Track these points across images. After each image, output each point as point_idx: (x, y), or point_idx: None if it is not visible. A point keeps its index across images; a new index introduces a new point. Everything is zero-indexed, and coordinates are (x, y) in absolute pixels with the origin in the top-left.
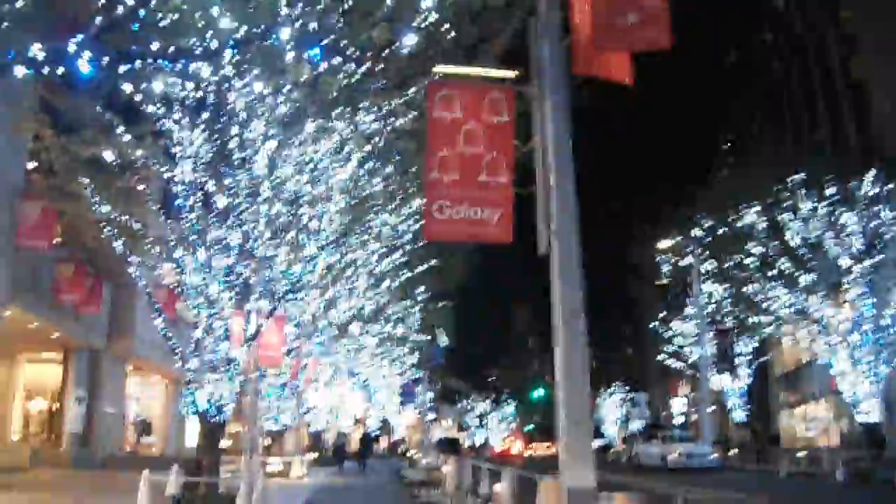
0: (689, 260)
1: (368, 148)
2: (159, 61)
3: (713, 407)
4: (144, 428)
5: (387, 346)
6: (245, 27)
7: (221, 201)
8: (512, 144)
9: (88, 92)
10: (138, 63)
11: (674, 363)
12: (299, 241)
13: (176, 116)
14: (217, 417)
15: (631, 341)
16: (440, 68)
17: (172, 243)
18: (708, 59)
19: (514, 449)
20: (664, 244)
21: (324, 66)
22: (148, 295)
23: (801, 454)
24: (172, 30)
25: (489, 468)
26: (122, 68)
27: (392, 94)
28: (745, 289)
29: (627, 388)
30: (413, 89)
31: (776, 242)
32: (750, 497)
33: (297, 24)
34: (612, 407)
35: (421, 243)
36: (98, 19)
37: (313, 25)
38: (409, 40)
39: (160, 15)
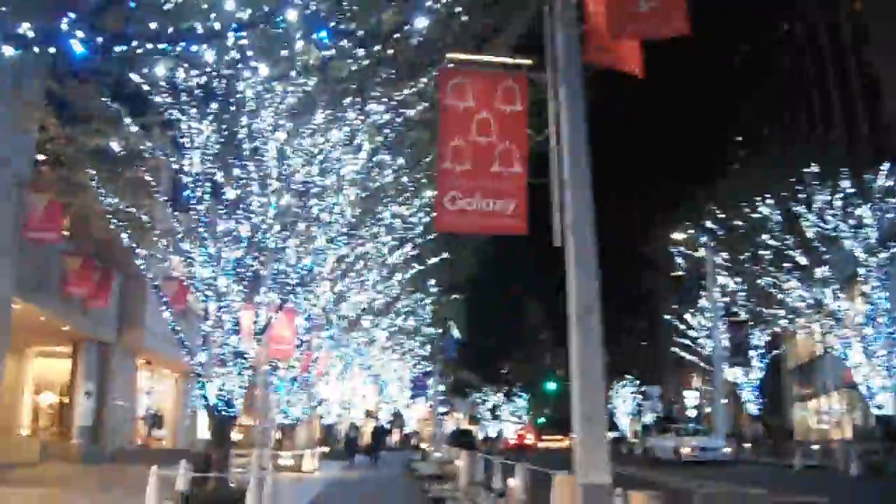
0: (702, 252)
1: (380, 139)
2: (158, 44)
3: (725, 400)
4: (156, 421)
5: (398, 338)
6: (249, 10)
7: (230, 193)
8: (525, 134)
9: (95, 82)
10: (135, 44)
11: (687, 356)
12: (309, 233)
13: (184, 106)
14: (227, 411)
15: (644, 334)
16: (452, 56)
17: (180, 235)
18: (720, 51)
19: (528, 441)
20: (678, 236)
21: (332, 51)
22: (155, 287)
23: (814, 447)
24: (173, 12)
25: (502, 462)
26: (118, 49)
27: (403, 84)
28: (758, 281)
29: (639, 381)
30: (424, 79)
31: (790, 235)
32: (770, 493)
33: (304, 6)
34: (625, 399)
35: (432, 236)
36: None
37: (321, 7)
38: (420, 23)
39: None
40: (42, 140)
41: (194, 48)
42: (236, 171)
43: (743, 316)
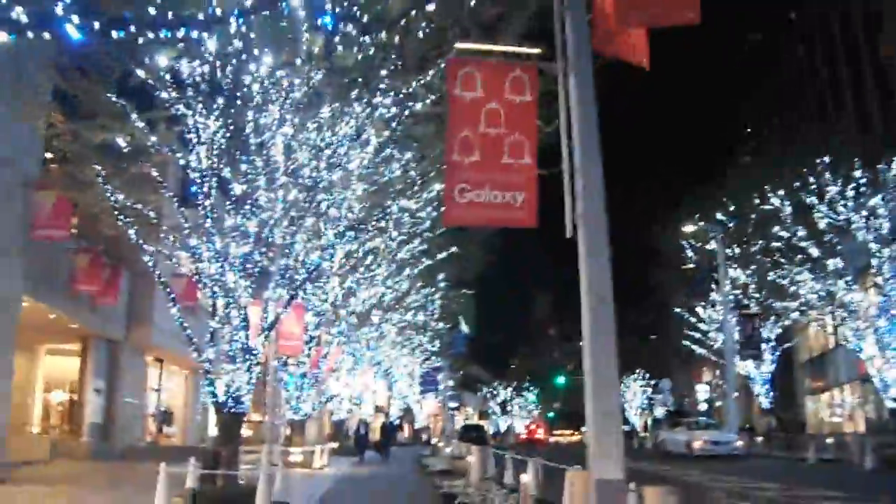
0: (713, 245)
1: (387, 133)
2: (157, 30)
3: (736, 393)
4: (166, 418)
5: (407, 333)
6: None
7: (237, 188)
8: (535, 125)
9: (100, 78)
10: (133, 30)
11: (697, 349)
12: (317, 228)
13: (190, 101)
14: (236, 408)
15: (654, 328)
16: (461, 45)
17: (187, 231)
18: (729, 41)
19: (538, 435)
20: (688, 229)
21: (337, 38)
22: (163, 284)
23: (828, 441)
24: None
25: (514, 457)
26: (116, 35)
27: (410, 76)
28: (770, 274)
29: (648, 375)
30: (432, 71)
31: (802, 226)
32: (787, 487)
33: None
34: (635, 393)
35: (440, 231)
36: None
37: None
38: (428, 6)
39: None
40: (48, 136)
41: (195, 34)
42: (243, 167)
43: (754, 309)
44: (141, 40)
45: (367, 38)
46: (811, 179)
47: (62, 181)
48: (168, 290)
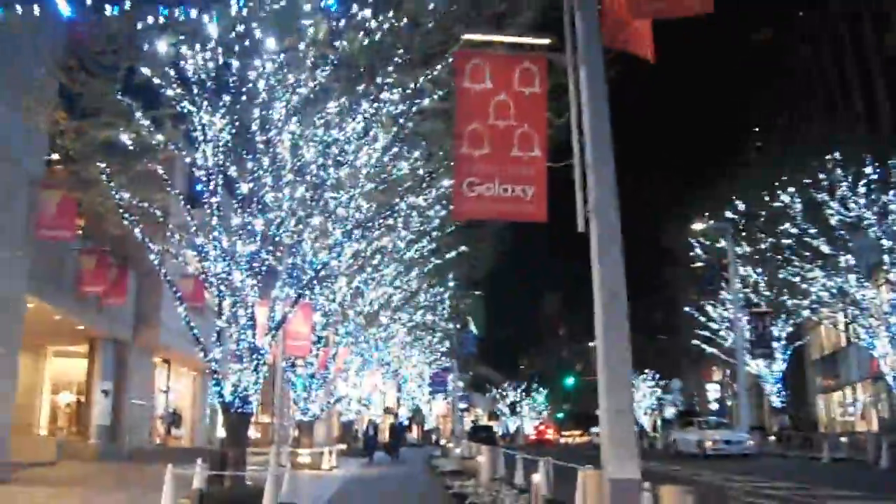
0: (723, 243)
1: (395, 129)
2: (156, 9)
3: (747, 392)
4: (174, 420)
5: (416, 334)
6: None
7: (244, 186)
8: (545, 117)
9: (105, 76)
10: (128, 6)
11: (708, 348)
12: (325, 227)
13: (195, 98)
14: (242, 408)
15: (663, 327)
16: (469, 37)
17: (194, 229)
18: (737, 38)
19: (548, 436)
20: (697, 226)
21: (343, 21)
22: (168, 283)
23: (842, 439)
24: None
25: (525, 458)
26: (109, 11)
27: (417, 72)
28: (781, 271)
29: (658, 374)
30: (439, 66)
31: (812, 223)
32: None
33: None
34: (644, 394)
35: (449, 229)
36: None
37: None
38: None
39: None
40: (52, 133)
41: (193, 13)
42: (249, 164)
43: (765, 307)
44: (140, 25)
45: (373, 22)
46: (822, 176)
47: (67, 180)
48: (174, 289)
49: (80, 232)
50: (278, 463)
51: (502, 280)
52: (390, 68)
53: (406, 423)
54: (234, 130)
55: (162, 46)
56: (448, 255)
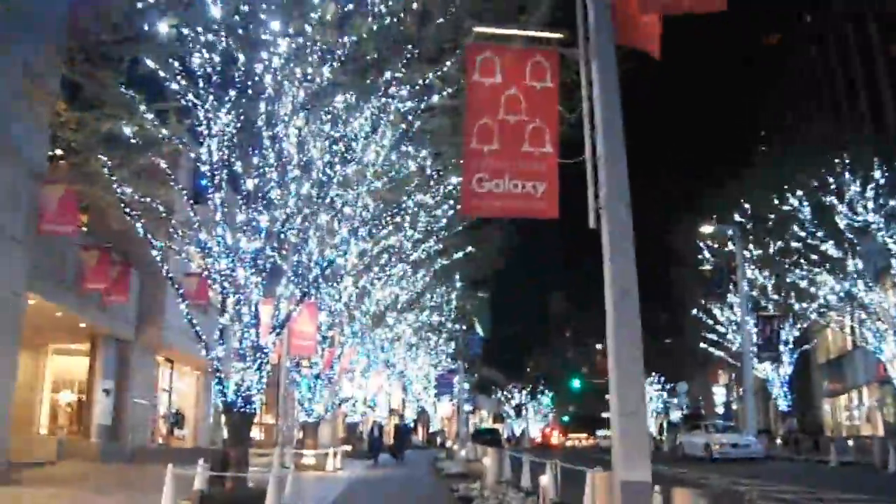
0: (731, 246)
1: (403, 126)
2: None
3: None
4: (177, 420)
5: (422, 334)
6: None
7: (249, 182)
8: (556, 112)
9: (110, 65)
10: None
11: (715, 351)
12: (331, 225)
13: (200, 91)
14: (245, 408)
15: (670, 330)
16: (480, 30)
17: (197, 225)
18: (745, 41)
19: (553, 439)
20: (705, 229)
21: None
22: (170, 279)
23: (850, 443)
24: None
25: (531, 460)
26: None
27: (426, 68)
28: (788, 275)
29: (663, 377)
30: (449, 62)
31: (821, 227)
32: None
33: None
34: (650, 397)
35: (456, 229)
36: None
37: None
38: None
39: None
40: (53, 124)
41: None
42: (255, 160)
43: (772, 310)
44: (140, 4)
45: (382, 7)
46: (830, 179)
47: (69, 174)
48: (177, 285)
49: (83, 228)
50: (282, 464)
51: (508, 281)
52: (399, 63)
53: (412, 424)
54: (239, 125)
55: (163, 27)
56: (455, 256)
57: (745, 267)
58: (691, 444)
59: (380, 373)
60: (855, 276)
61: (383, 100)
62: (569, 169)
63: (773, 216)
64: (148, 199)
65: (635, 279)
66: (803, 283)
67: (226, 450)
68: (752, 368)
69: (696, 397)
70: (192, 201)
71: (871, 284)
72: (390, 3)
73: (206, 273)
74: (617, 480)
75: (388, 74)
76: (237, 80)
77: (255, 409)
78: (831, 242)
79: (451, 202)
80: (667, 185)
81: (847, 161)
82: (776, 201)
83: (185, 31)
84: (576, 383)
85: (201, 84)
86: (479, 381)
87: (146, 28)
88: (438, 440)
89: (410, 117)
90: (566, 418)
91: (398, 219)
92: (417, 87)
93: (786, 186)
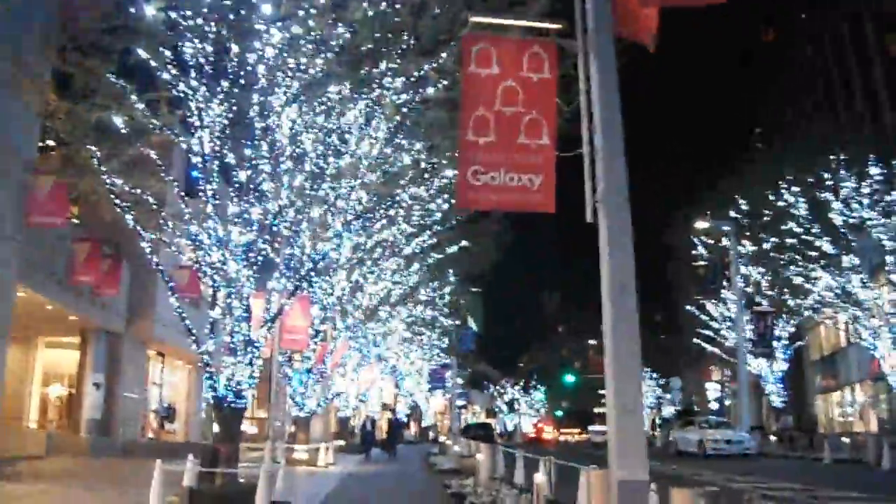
0: (725, 241)
1: (398, 118)
2: None
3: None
4: (168, 414)
5: (415, 329)
6: None
7: (241, 174)
8: (554, 104)
9: (100, 54)
10: None
11: (709, 347)
12: (324, 218)
13: (192, 82)
14: (235, 403)
15: (663, 325)
16: (476, 19)
17: (188, 217)
18: (742, 37)
19: (547, 434)
20: (700, 225)
21: None
22: (160, 272)
23: (844, 440)
24: None
25: (525, 457)
26: None
27: (421, 60)
28: (784, 271)
29: (656, 373)
30: (444, 54)
31: (816, 223)
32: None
33: None
34: (644, 392)
35: (449, 224)
36: None
37: None
38: None
39: None
40: (43, 114)
41: None
42: (247, 151)
43: (767, 306)
44: None
45: None
46: (825, 176)
47: (59, 165)
48: (167, 278)
49: (74, 220)
50: (273, 459)
51: (502, 276)
52: (394, 54)
53: (404, 419)
54: (231, 116)
55: (150, 11)
56: (449, 250)
57: (740, 263)
58: (685, 441)
59: (372, 367)
60: (850, 272)
61: (378, 91)
62: (565, 162)
63: (768, 212)
64: (139, 191)
65: (633, 274)
66: (798, 280)
67: (216, 445)
68: (745, 364)
69: (690, 393)
70: (183, 193)
71: (866, 281)
72: None
73: (196, 266)
74: (613, 479)
75: (382, 65)
76: (229, 70)
77: (245, 403)
78: (826, 239)
79: (446, 196)
80: (663, 181)
81: (843, 158)
82: (772, 197)
83: (175, 16)
84: (569, 378)
85: (193, 74)
86: (472, 376)
87: (134, 11)
88: (431, 435)
89: (405, 109)
90: (559, 413)
91: (392, 212)
92: (412, 79)
93: (781, 182)
